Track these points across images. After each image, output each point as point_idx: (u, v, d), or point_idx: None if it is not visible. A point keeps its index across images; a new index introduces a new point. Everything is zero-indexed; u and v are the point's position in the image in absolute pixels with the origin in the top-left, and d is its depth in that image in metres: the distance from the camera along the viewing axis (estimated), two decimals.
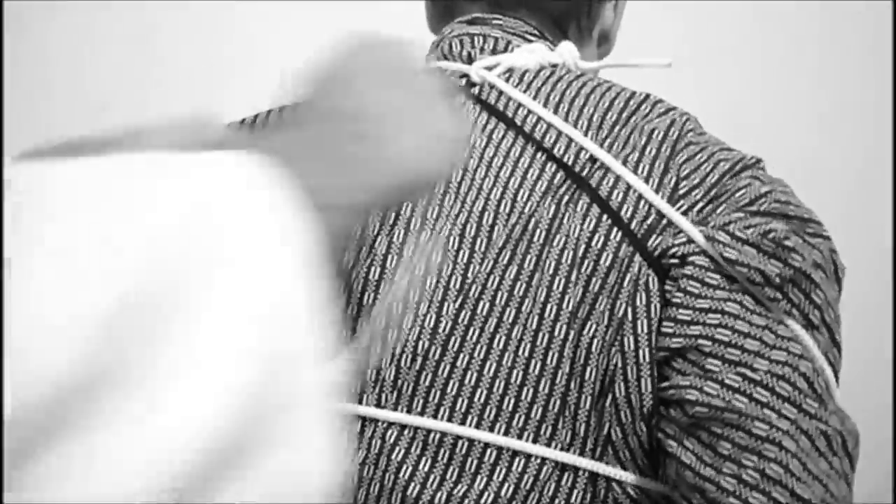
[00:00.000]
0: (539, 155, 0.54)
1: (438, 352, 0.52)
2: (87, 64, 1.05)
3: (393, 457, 0.51)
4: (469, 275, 0.53)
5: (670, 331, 0.48)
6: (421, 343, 0.51)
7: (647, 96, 0.57)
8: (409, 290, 0.52)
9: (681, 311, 0.48)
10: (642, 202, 0.52)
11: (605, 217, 0.52)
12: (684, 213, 0.51)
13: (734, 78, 1.06)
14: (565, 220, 0.53)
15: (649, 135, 0.54)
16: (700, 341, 0.47)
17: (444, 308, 0.53)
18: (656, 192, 0.52)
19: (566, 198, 0.53)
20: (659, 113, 0.56)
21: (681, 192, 0.52)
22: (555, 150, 0.54)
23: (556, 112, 0.55)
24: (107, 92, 1.02)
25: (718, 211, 0.51)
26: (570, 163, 0.54)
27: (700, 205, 0.51)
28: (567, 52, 0.60)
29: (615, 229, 0.51)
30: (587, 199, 0.52)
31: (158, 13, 1.00)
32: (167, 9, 0.99)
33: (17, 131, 1.03)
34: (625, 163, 0.52)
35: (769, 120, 1.05)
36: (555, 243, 0.52)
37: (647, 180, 0.52)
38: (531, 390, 0.51)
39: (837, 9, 0.94)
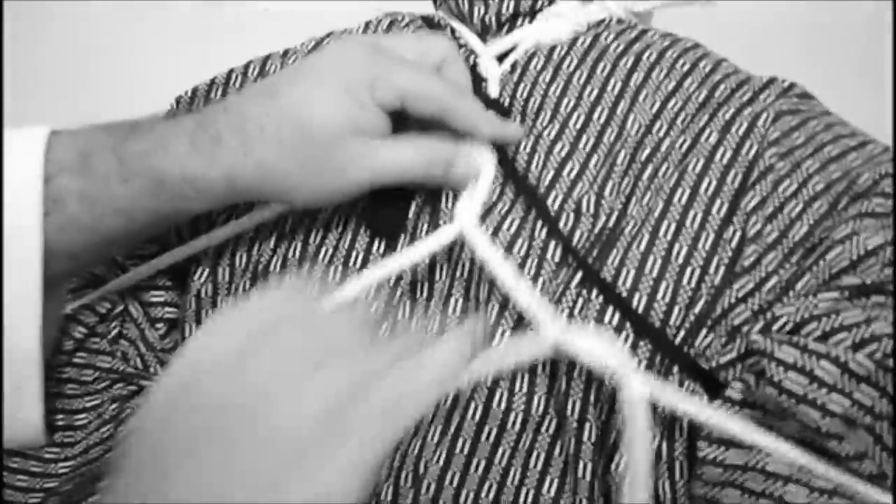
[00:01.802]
0: (539, 228, 0.38)
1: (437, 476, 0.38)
2: (88, 63, 1.05)
3: None
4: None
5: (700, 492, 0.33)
6: (423, 462, 0.38)
7: (727, 77, 0.40)
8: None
9: (706, 468, 0.33)
10: (681, 284, 0.35)
11: (624, 317, 0.35)
12: (746, 298, 0.34)
13: None
14: (574, 319, 0.37)
15: (709, 155, 0.37)
16: None
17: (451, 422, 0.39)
18: (708, 259, 0.35)
19: (575, 291, 0.37)
20: (737, 106, 0.39)
21: (745, 262, 0.35)
22: (562, 221, 0.38)
23: (577, 142, 0.39)
24: (107, 90, 1.02)
25: (798, 287, 0.33)
26: (581, 238, 0.38)
27: (773, 280, 0.34)
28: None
29: (642, 334, 0.35)
30: (598, 293, 0.36)
31: (158, 13, 1.00)
32: (167, 9, 0.99)
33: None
34: (667, 209, 0.36)
35: None
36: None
37: (694, 242, 0.35)
38: None
39: (837, 9, 0.94)
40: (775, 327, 0.33)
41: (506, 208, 0.39)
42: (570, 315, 0.36)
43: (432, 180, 0.39)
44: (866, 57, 0.46)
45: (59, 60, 1.06)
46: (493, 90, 0.42)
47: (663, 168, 0.38)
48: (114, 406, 0.44)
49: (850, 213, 0.34)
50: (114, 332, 0.44)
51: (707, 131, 0.38)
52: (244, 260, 0.43)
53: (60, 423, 0.42)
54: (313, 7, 0.95)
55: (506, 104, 0.42)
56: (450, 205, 0.40)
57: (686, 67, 0.41)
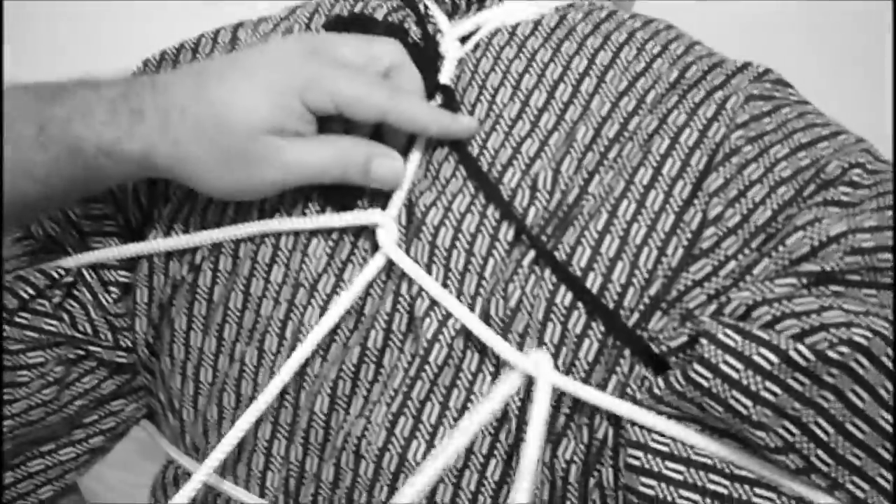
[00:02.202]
0: (492, 210, 0.38)
1: (372, 470, 0.38)
2: (86, 62, 1.06)
3: None
4: (414, 361, 0.38)
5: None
6: (363, 445, 0.38)
7: (700, 58, 0.39)
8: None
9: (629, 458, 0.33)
10: (637, 265, 0.35)
11: (577, 297, 0.35)
12: (702, 281, 0.34)
13: None
14: (525, 297, 0.36)
15: (675, 135, 0.37)
16: None
17: (394, 403, 0.38)
18: (666, 240, 0.35)
19: (528, 269, 0.36)
20: (708, 89, 0.38)
21: (703, 245, 0.34)
22: (518, 199, 0.38)
23: (538, 120, 0.39)
24: None
25: (756, 272, 0.33)
26: (536, 215, 0.37)
27: (731, 264, 0.34)
28: None
29: (595, 314, 0.35)
30: (551, 272, 0.36)
31: (158, 12, 1.00)
32: (167, 8, 0.99)
33: None
34: (627, 188, 0.36)
35: None
36: (517, 326, 0.37)
37: (653, 224, 0.35)
38: None
39: (837, 8, 0.94)
40: (727, 310, 0.32)
41: (457, 188, 0.39)
42: (522, 294, 0.36)
43: (350, 181, 0.39)
44: (866, 57, 0.46)
45: (59, 60, 1.06)
46: (447, 72, 0.41)
47: (628, 147, 0.37)
48: (59, 368, 0.42)
49: (816, 200, 0.33)
50: (62, 295, 0.43)
51: (675, 113, 0.37)
52: (198, 222, 0.43)
53: None
54: None
55: (465, 83, 0.41)
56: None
57: (657, 49, 0.40)
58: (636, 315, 0.34)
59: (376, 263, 0.39)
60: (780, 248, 0.33)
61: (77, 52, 1.06)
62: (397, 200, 0.39)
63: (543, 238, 0.36)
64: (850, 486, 0.30)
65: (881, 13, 0.93)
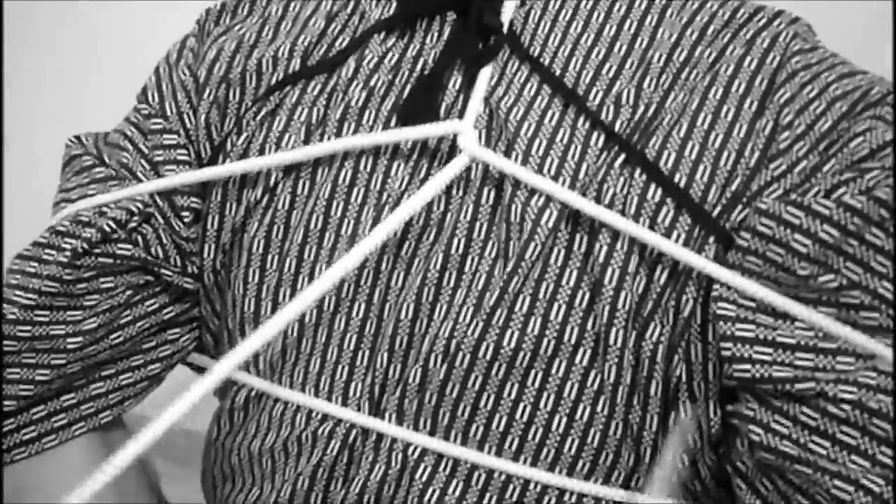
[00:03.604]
0: (582, 121, 0.41)
1: (468, 360, 0.41)
2: (86, 62, 1.05)
3: (417, 477, 0.42)
4: (509, 257, 0.41)
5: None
6: (454, 343, 0.41)
7: (743, 4, 0.44)
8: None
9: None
10: (718, 166, 0.39)
11: (666, 193, 0.39)
12: (780, 177, 0.38)
13: None
14: (618, 195, 0.40)
15: (738, 62, 0.41)
16: None
17: (484, 300, 0.41)
18: (743, 144, 0.39)
19: (619, 170, 0.40)
20: (756, 28, 0.42)
21: (780, 145, 0.39)
22: (603, 112, 0.41)
23: (611, 48, 0.43)
24: (107, 90, 1.02)
25: (825, 169, 0.38)
26: (622, 125, 0.41)
27: (803, 163, 0.38)
28: None
29: (682, 208, 0.39)
30: (641, 172, 0.40)
31: (158, 12, 1.00)
32: (167, 8, 0.99)
33: (17, 129, 1.03)
34: (702, 103, 0.40)
35: None
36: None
37: (729, 131, 0.39)
38: (588, 410, 0.40)
39: (837, 9, 0.94)
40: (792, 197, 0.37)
41: (544, 104, 0.42)
42: (614, 193, 0.40)
43: None
44: (866, 57, 0.46)
45: (59, 60, 1.06)
46: (508, 12, 0.44)
47: (695, 71, 0.41)
48: (128, 292, 0.45)
49: (866, 115, 0.38)
50: (138, 222, 0.44)
51: (732, 45, 0.42)
52: (273, 150, 0.44)
53: (66, 302, 0.43)
54: None
55: (535, 19, 0.44)
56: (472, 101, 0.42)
57: None
58: (718, 208, 0.38)
59: (458, 164, 0.41)
60: (844, 151, 0.38)
61: (76, 51, 1.06)
62: (472, 111, 0.42)
63: (632, 143, 0.40)
64: None
65: (881, 13, 0.93)
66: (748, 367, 0.35)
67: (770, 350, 0.35)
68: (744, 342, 0.36)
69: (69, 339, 0.43)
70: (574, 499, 0.41)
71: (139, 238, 0.44)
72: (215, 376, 0.34)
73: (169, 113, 0.47)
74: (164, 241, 0.45)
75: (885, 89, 0.39)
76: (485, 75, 0.43)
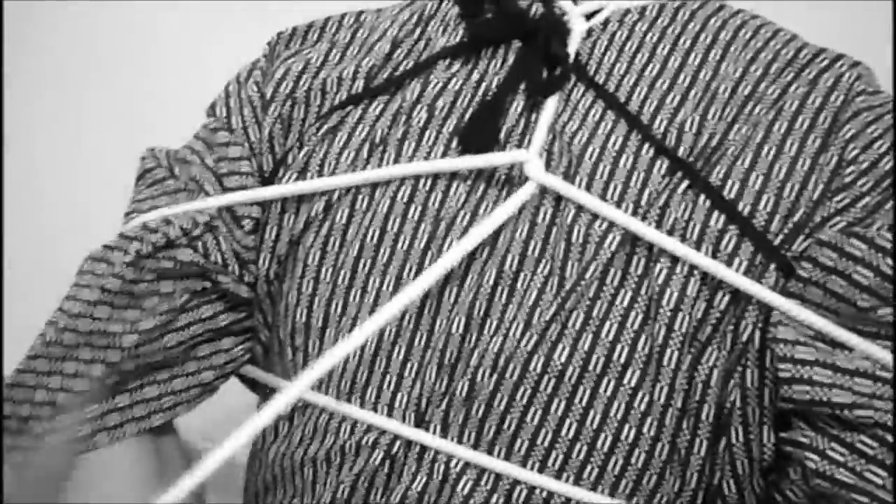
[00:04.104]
0: (646, 147, 0.42)
1: (518, 373, 0.41)
2: (86, 61, 1.05)
3: (459, 489, 0.42)
4: (567, 276, 0.41)
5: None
6: (503, 357, 0.41)
7: (805, 45, 0.44)
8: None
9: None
10: (782, 197, 0.39)
11: (729, 221, 0.39)
12: (843, 210, 0.38)
13: None
14: (679, 220, 0.40)
15: (802, 99, 0.41)
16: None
17: (535, 315, 0.41)
18: (806, 177, 0.39)
19: (681, 196, 0.40)
20: (819, 69, 0.43)
21: (844, 179, 0.39)
22: (667, 140, 0.42)
23: (676, 78, 0.43)
24: (105, 90, 1.02)
25: (888, 206, 0.38)
26: (685, 152, 0.41)
27: (867, 199, 0.39)
28: None
29: (745, 236, 0.39)
30: (706, 199, 0.40)
31: (158, 12, 1.00)
32: (166, 8, 0.99)
33: (17, 129, 1.03)
34: (767, 136, 0.40)
35: None
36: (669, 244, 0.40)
37: (793, 164, 0.40)
38: (634, 430, 0.40)
39: (837, 9, 0.94)
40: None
41: (608, 129, 0.43)
42: (676, 219, 0.40)
43: None
44: (866, 57, 0.46)
45: (59, 60, 1.06)
46: (574, 43, 0.45)
47: (759, 106, 0.42)
48: (185, 296, 0.46)
49: None
50: (201, 231, 0.46)
51: (795, 83, 0.42)
52: (333, 166, 0.46)
53: (127, 303, 0.44)
54: (316, 7, 0.95)
55: (601, 50, 0.45)
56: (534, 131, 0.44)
57: (769, 33, 0.45)
58: (781, 237, 0.39)
59: (526, 191, 0.42)
60: None
61: (77, 52, 1.06)
62: (538, 139, 0.43)
63: (697, 169, 0.41)
64: None
65: (881, 13, 0.93)
66: (807, 388, 0.35)
67: (829, 373, 0.35)
68: (803, 364, 0.36)
69: (125, 337, 0.44)
70: None
71: (200, 245, 0.45)
72: (285, 398, 0.35)
73: (235, 126, 0.48)
74: (224, 248, 0.46)
75: None
76: (551, 103, 0.44)
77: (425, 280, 0.39)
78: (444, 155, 0.44)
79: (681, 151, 0.41)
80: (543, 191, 0.42)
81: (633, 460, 0.40)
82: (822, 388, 0.35)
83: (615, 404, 0.40)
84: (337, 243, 0.45)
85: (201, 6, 0.98)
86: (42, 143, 1.04)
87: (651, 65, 0.44)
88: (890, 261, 0.36)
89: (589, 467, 0.40)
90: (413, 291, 0.39)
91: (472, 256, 0.43)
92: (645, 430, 0.40)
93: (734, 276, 0.38)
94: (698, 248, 0.39)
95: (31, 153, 1.03)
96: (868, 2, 0.93)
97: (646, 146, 0.42)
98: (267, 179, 0.47)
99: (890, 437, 0.34)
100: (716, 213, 0.40)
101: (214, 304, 0.47)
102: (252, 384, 0.52)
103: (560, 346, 0.41)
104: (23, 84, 1.05)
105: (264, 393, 0.51)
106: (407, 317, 0.44)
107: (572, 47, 0.45)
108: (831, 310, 0.37)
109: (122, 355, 0.44)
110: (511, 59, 0.46)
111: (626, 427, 0.40)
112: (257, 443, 0.50)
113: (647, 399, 0.40)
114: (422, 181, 0.44)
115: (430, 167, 0.43)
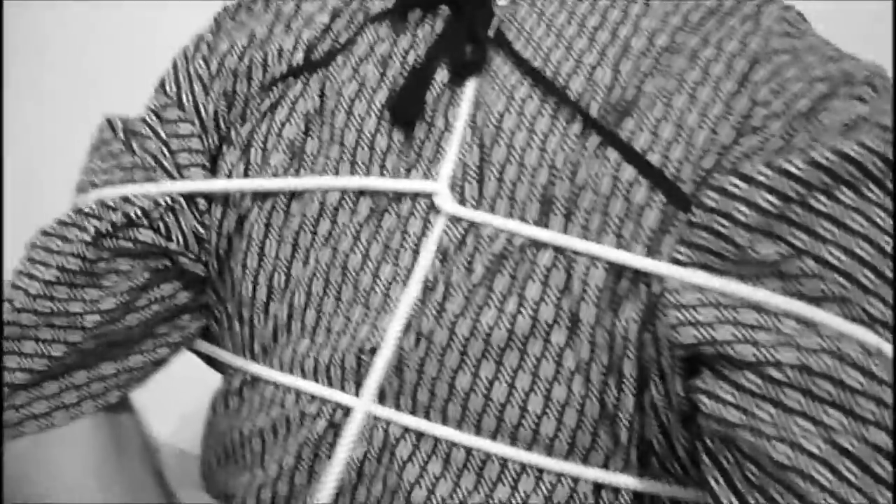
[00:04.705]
0: (562, 110, 0.42)
1: (445, 338, 0.41)
2: (86, 61, 1.05)
3: (398, 454, 0.42)
4: (479, 236, 0.42)
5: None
6: (432, 321, 0.42)
7: None
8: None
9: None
10: (693, 145, 0.39)
11: (640, 173, 0.39)
12: (752, 154, 0.38)
13: None
14: (591, 177, 0.40)
15: (719, 45, 0.41)
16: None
17: (465, 282, 0.42)
18: (718, 123, 0.39)
19: (593, 153, 0.41)
20: (742, 15, 0.43)
21: (752, 122, 0.39)
22: (584, 100, 0.42)
23: (594, 37, 0.43)
24: (107, 90, 1.02)
25: (794, 143, 0.38)
26: (600, 110, 0.41)
27: (776, 143, 0.38)
28: None
29: (656, 186, 0.39)
30: (616, 153, 0.40)
31: (158, 12, 1.00)
32: (167, 8, 0.99)
33: (17, 128, 1.03)
34: (680, 85, 0.40)
35: None
36: (582, 202, 0.40)
37: (706, 110, 0.40)
38: (564, 389, 0.40)
39: (837, 9, 0.94)
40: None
41: (523, 94, 0.43)
42: (588, 175, 0.40)
43: None
44: (866, 57, 0.46)
45: (59, 60, 1.06)
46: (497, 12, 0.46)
47: (676, 57, 0.42)
48: (146, 275, 0.46)
49: (843, 93, 0.38)
50: (162, 211, 0.46)
51: (716, 32, 0.42)
52: (275, 139, 0.46)
53: (86, 280, 0.45)
54: None
55: (522, 14, 0.46)
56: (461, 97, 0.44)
57: None
58: (692, 185, 0.39)
59: (438, 228, 0.43)
60: (816, 123, 0.37)
61: (77, 51, 1.06)
62: (447, 168, 0.43)
63: (606, 125, 0.41)
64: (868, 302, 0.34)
65: (881, 13, 0.93)
66: (693, 330, 0.35)
67: (713, 311, 0.35)
68: (687, 308, 0.36)
69: (86, 317, 0.45)
70: (553, 478, 0.41)
71: (161, 226, 0.46)
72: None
73: (186, 103, 0.48)
74: (185, 228, 0.47)
75: (869, 71, 0.39)
76: (471, 82, 0.44)
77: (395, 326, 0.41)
78: (376, 128, 0.45)
79: (595, 109, 0.41)
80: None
81: (565, 420, 0.40)
82: (706, 327, 0.35)
83: (544, 365, 0.40)
84: (281, 218, 0.46)
85: (201, 6, 0.98)
86: (42, 143, 1.03)
87: (569, 25, 0.44)
88: (769, 195, 0.35)
89: (522, 430, 0.41)
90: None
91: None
92: (574, 389, 0.40)
93: (607, 251, 0.39)
94: (608, 202, 0.39)
95: (31, 153, 1.03)
96: (868, 2, 0.93)
97: (562, 109, 0.42)
98: (214, 156, 0.48)
99: (775, 373, 0.33)
100: (626, 166, 0.40)
101: (173, 283, 0.48)
102: (209, 360, 0.52)
103: (486, 309, 0.41)
104: (23, 84, 1.05)
105: (221, 368, 0.51)
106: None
107: (497, 12, 0.46)
108: (717, 253, 0.37)
109: (83, 335, 0.45)
110: (439, 24, 0.46)
111: (557, 387, 0.40)
112: (208, 418, 0.50)
113: (573, 358, 0.40)
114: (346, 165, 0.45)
115: (342, 183, 0.44)
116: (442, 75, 0.45)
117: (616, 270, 0.39)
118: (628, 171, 0.40)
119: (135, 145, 0.48)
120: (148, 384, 0.53)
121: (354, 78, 0.46)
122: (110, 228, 0.44)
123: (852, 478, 0.31)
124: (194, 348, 0.52)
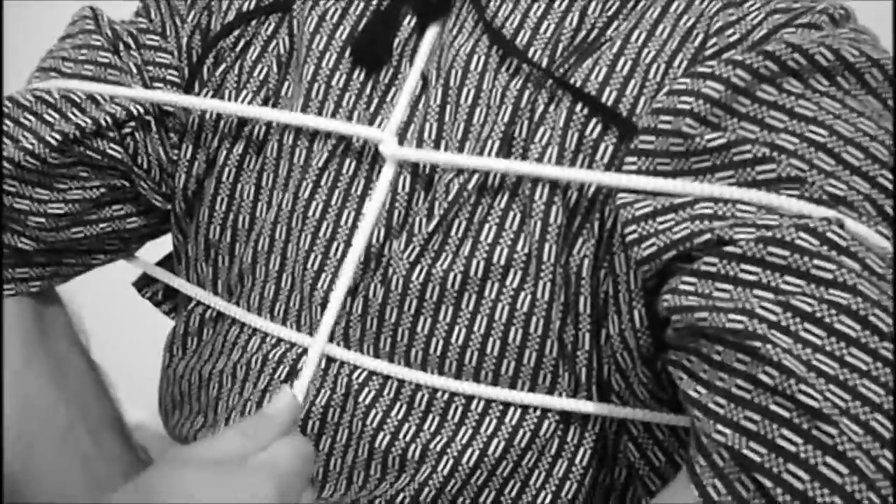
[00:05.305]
0: (508, 60, 0.42)
1: (402, 284, 0.42)
2: None
3: (361, 399, 0.42)
4: (437, 183, 0.42)
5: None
6: (390, 268, 0.42)
7: None
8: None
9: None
10: (647, 79, 0.39)
11: (593, 111, 0.40)
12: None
13: None
14: (547, 117, 0.41)
15: None
16: None
17: (422, 228, 0.42)
18: (672, 56, 0.39)
19: (548, 94, 0.41)
20: None
21: (706, 52, 0.39)
22: (530, 53, 0.42)
23: None
24: None
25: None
26: (557, 55, 0.42)
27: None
28: None
29: (609, 124, 0.39)
30: (567, 93, 0.41)
31: None
32: None
33: None
34: (638, 23, 0.41)
35: None
36: (537, 138, 0.41)
37: (662, 46, 0.40)
38: (520, 330, 0.40)
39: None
40: None
41: (472, 43, 0.43)
42: (542, 114, 0.40)
43: None
44: None
45: None
46: None
47: (642, 2, 0.42)
48: (102, 190, 0.46)
49: (799, 22, 0.38)
50: (133, 127, 0.45)
51: None
52: (246, 77, 0.46)
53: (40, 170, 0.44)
54: None
55: None
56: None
57: None
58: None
59: (387, 175, 0.42)
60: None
61: None
62: (397, 116, 0.43)
63: (562, 70, 0.41)
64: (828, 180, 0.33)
65: (881, 13, 0.93)
66: (652, 240, 0.34)
67: (671, 214, 0.34)
68: (644, 218, 0.35)
69: (31, 218, 0.44)
70: (519, 412, 0.40)
71: (130, 143, 0.45)
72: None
73: (167, 33, 0.48)
74: (151, 153, 0.46)
75: (830, 5, 0.39)
76: (433, 28, 0.44)
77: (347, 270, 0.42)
78: (335, 64, 0.44)
79: (548, 54, 0.41)
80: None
81: (524, 360, 0.40)
82: (664, 233, 0.34)
83: (499, 307, 0.40)
84: (253, 160, 0.45)
85: None
86: None
87: None
88: (713, 83, 0.35)
89: (483, 372, 0.41)
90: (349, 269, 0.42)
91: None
92: (531, 329, 0.40)
93: (550, 170, 0.39)
94: (563, 136, 0.40)
95: None
96: (868, 2, 0.93)
97: (509, 58, 0.42)
98: (185, 90, 0.47)
99: (732, 248, 0.32)
100: (579, 105, 0.40)
101: (126, 206, 0.48)
102: (157, 302, 0.52)
103: (443, 255, 0.41)
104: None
105: (174, 305, 0.51)
106: (304, 234, 0.44)
107: None
108: (666, 152, 0.36)
109: (45, 221, 0.45)
110: None
111: (513, 329, 0.40)
112: (164, 360, 0.49)
113: (529, 299, 0.40)
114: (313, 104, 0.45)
115: (297, 120, 0.44)
116: (409, 19, 0.45)
117: (570, 208, 0.39)
118: (581, 109, 0.40)
119: (120, 47, 0.48)
120: (136, 376, 0.53)
121: (314, 11, 0.45)
122: (77, 134, 0.43)
123: (813, 338, 0.29)
124: (151, 277, 0.51)
